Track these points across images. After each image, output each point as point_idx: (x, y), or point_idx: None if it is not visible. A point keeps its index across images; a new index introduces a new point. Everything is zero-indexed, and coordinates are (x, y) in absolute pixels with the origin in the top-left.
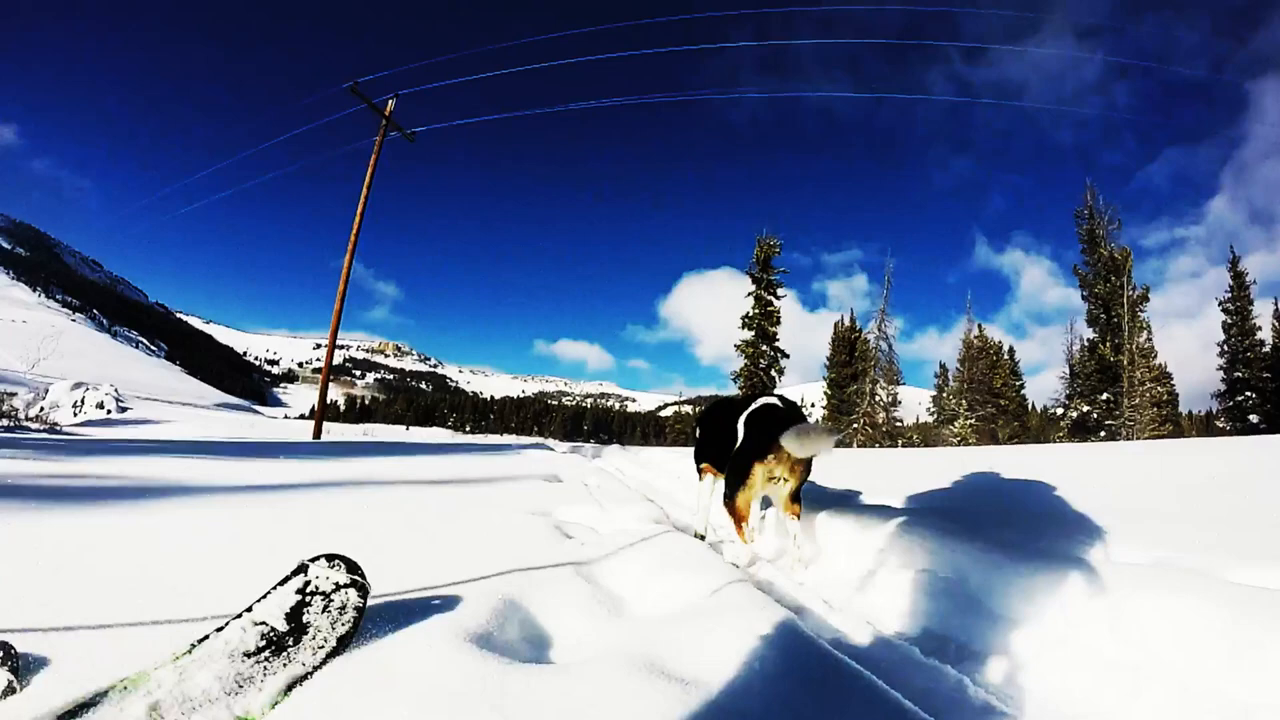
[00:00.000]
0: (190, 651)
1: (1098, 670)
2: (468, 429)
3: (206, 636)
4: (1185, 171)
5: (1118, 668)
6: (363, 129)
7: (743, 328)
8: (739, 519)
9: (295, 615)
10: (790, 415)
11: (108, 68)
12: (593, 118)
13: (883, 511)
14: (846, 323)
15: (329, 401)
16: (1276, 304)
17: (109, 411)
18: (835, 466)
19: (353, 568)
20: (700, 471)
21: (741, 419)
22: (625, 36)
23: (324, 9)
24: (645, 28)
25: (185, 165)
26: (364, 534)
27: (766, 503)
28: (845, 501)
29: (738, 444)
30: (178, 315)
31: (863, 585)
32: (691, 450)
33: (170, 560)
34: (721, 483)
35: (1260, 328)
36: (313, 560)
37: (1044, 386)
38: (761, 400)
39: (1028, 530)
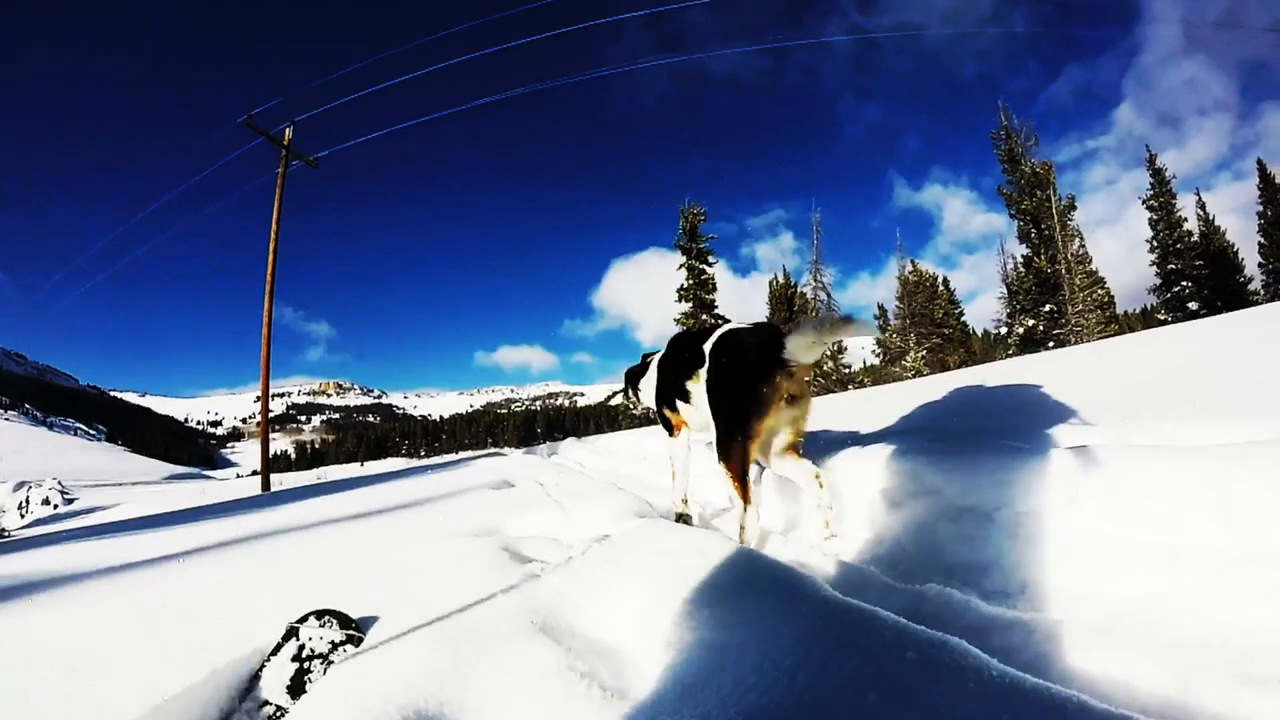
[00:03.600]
0: None
1: None
2: (422, 453)
3: None
4: (1088, 85)
5: None
6: (265, 163)
7: (679, 300)
8: (739, 474)
9: (298, 686)
10: (768, 335)
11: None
12: (497, 119)
13: (903, 444)
14: (781, 280)
15: (279, 452)
16: (1198, 195)
17: (55, 506)
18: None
19: (345, 621)
20: (671, 426)
21: (707, 348)
22: (517, 26)
23: (206, 48)
24: (535, 14)
25: (87, 235)
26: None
27: None
28: (844, 443)
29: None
30: (112, 394)
31: (932, 549)
32: (659, 425)
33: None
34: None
35: (1186, 219)
36: (301, 621)
37: (981, 311)
38: (725, 328)
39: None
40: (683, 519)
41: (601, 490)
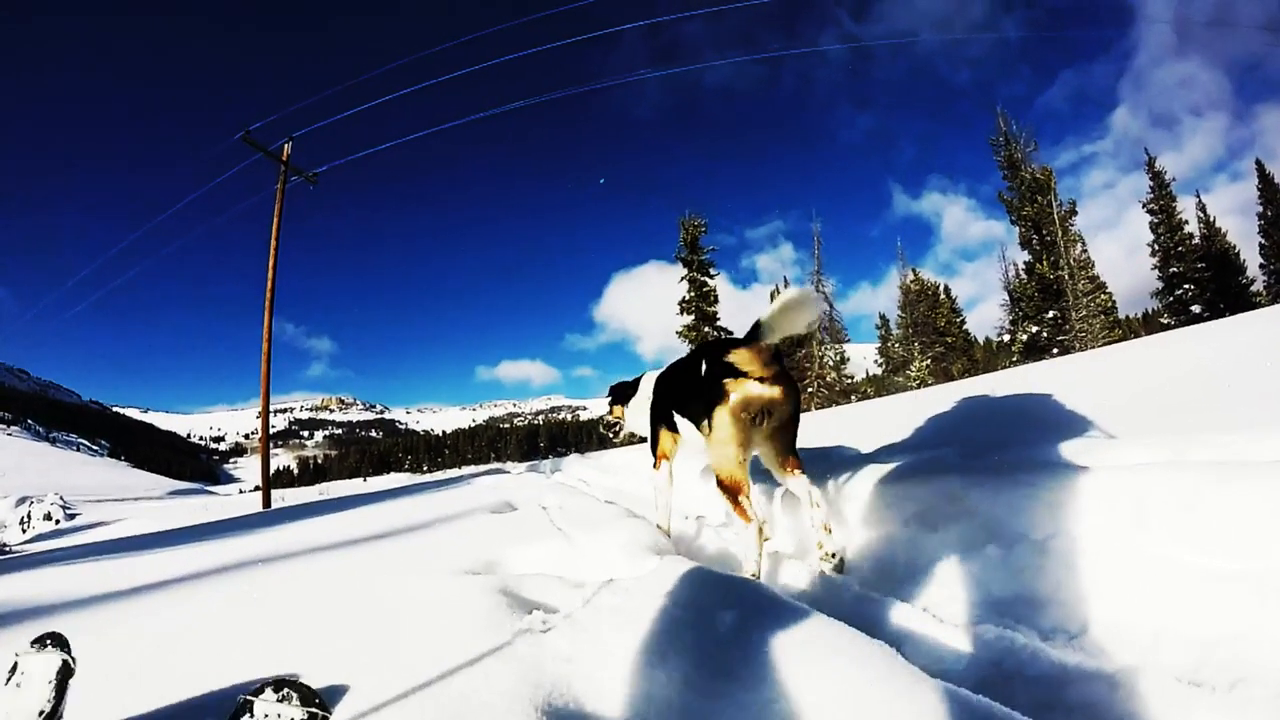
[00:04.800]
0: None
1: None
2: (425, 468)
3: None
4: (1083, 90)
5: None
6: (264, 179)
7: (681, 313)
8: (734, 490)
9: None
10: (723, 347)
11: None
12: (496, 132)
13: (931, 460)
14: (781, 289)
15: (282, 468)
16: (1198, 197)
17: (57, 521)
18: (815, 428)
19: (307, 696)
20: (656, 456)
21: (702, 368)
22: (514, 39)
23: (205, 63)
24: (532, 26)
25: (88, 251)
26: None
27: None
28: (864, 459)
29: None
30: (114, 410)
31: (978, 580)
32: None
33: None
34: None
35: (1187, 221)
36: (256, 694)
37: (982, 319)
38: (716, 342)
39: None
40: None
41: (611, 518)
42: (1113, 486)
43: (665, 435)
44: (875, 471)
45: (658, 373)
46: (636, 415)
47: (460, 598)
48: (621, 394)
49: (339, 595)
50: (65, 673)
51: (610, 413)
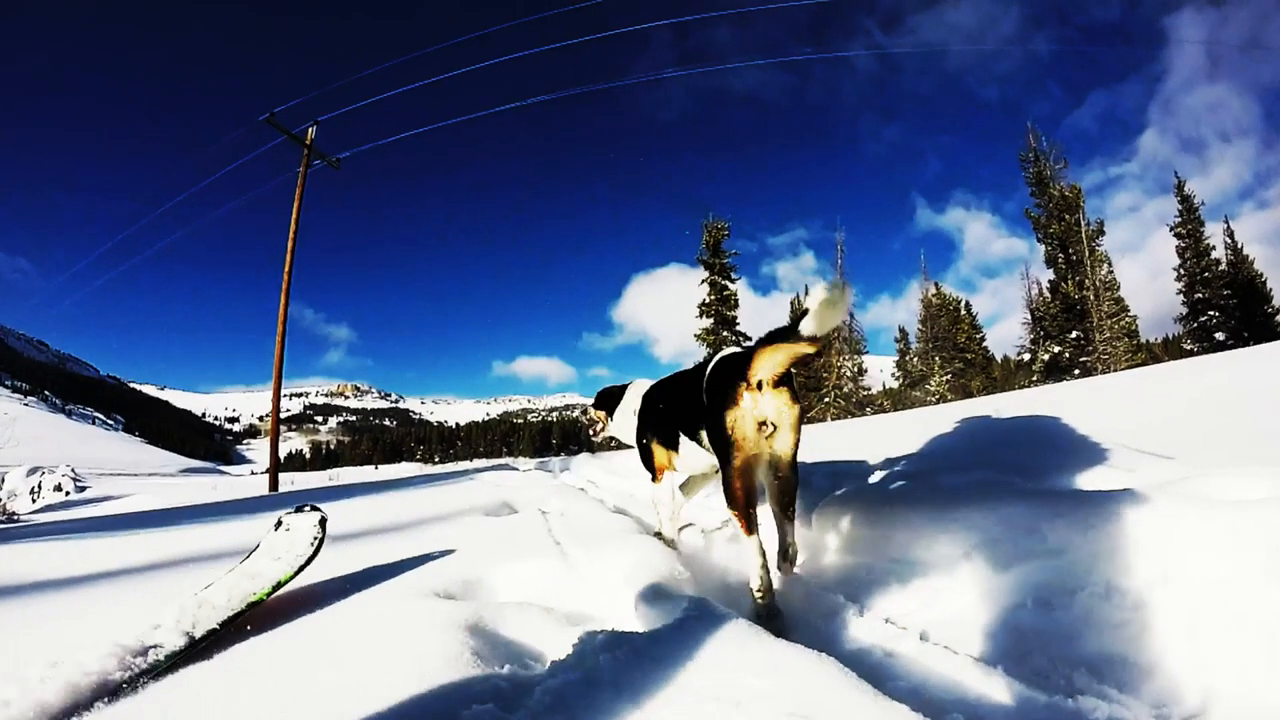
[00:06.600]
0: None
1: None
2: (437, 459)
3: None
4: (1113, 112)
5: None
6: (289, 161)
7: (700, 316)
8: (740, 503)
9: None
10: (735, 357)
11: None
12: (521, 128)
13: (991, 484)
14: (803, 299)
15: (294, 452)
16: (1227, 222)
17: (67, 493)
18: (840, 440)
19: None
20: (655, 470)
21: (705, 379)
22: (544, 32)
23: (232, 44)
24: (561, 20)
25: (111, 225)
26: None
27: None
28: (907, 475)
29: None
30: (131, 385)
31: (1065, 634)
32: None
33: None
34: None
35: (1214, 247)
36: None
37: (1002, 336)
38: (723, 352)
39: None
40: (669, 543)
41: (618, 534)
42: (1236, 527)
43: (659, 450)
44: (921, 492)
45: (646, 384)
46: (620, 422)
47: (418, 635)
48: (607, 400)
49: (276, 620)
50: (324, 520)
51: (594, 412)
